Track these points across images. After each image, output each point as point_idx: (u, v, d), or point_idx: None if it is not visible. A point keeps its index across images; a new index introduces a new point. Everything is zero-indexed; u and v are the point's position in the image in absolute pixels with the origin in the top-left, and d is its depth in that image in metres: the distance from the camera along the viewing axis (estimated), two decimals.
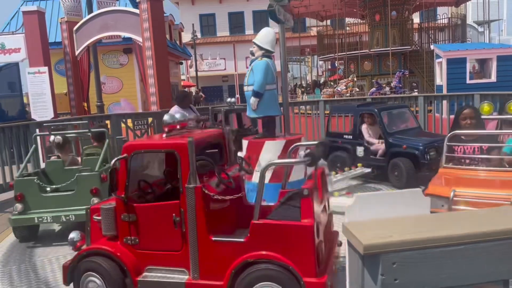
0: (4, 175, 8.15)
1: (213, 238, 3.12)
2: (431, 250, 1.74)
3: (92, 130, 6.42)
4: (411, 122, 8.01)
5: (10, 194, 7.42)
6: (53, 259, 4.87)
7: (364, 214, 2.09)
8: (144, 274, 3.31)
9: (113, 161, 3.36)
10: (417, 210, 2.17)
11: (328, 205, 3.64)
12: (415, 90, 17.68)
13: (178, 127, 3.61)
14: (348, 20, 25.94)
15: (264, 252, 2.94)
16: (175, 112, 4.78)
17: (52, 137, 6.23)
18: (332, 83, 22.73)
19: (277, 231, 2.93)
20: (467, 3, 26.03)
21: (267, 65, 5.39)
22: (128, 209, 3.34)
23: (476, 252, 1.75)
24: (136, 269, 3.31)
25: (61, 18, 12.57)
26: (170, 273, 3.26)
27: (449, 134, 4.27)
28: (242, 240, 3.05)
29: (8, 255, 5.08)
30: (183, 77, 33.26)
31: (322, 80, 29.65)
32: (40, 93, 11.36)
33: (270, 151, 5.28)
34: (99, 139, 6.19)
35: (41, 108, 11.31)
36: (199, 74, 33.28)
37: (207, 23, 36.87)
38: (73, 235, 3.57)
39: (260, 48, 5.46)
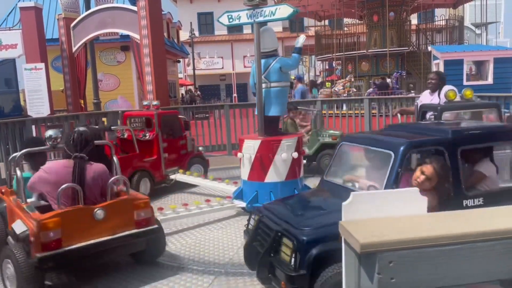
0: None
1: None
2: (428, 249, 1.74)
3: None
4: None
5: None
6: None
7: (360, 213, 2.09)
8: None
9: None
10: (414, 209, 2.16)
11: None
12: (412, 91, 17.74)
13: None
14: (346, 20, 25.98)
15: None
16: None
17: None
18: (329, 83, 22.75)
19: None
20: (465, 5, 26.14)
21: (252, 67, 5.53)
22: None
23: (473, 252, 1.75)
24: None
25: (59, 15, 12.52)
26: None
27: None
28: None
29: None
30: (180, 75, 33.23)
31: (319, 80, 29.70)
32: (36, 90, 11.32)
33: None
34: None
35: (37, 105, 11.27)
36: (197, 72, 33.24)
37: (205, 21, 36.84)
38: None
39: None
